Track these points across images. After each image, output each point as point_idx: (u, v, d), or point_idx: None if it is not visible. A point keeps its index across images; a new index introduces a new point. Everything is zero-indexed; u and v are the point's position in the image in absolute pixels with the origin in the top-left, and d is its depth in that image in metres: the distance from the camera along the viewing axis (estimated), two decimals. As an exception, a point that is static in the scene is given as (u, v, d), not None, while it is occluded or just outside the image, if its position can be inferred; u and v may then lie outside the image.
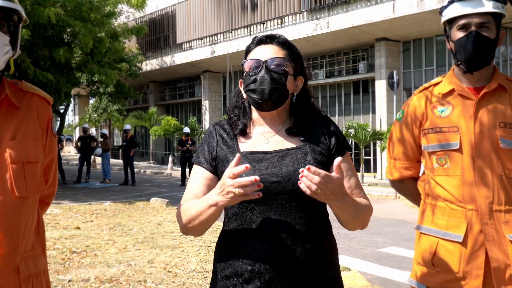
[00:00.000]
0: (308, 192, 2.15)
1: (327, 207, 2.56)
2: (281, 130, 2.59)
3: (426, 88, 3.25)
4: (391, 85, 22.88)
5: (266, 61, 2.51)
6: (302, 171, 2.13)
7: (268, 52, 2.54)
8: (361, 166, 24.88)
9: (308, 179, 2.13)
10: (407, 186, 3.38)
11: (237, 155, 2.20)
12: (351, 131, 25.14)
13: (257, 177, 2.11)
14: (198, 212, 2.37)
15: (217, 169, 2.56)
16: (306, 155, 2.49)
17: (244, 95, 2.62)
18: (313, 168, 2.12)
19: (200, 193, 2.52)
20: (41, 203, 2.64)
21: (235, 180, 2.14)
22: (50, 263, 8.36)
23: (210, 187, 2.52)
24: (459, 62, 3.06)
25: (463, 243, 2.95)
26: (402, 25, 25.52)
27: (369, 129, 25.45)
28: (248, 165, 2.14)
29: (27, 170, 2.37)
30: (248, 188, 2.13)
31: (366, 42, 28.88)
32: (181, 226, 2.52)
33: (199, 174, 2.58)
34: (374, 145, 28.17)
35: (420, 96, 3.23)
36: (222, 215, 2.54)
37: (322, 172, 2.14)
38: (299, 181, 2.15)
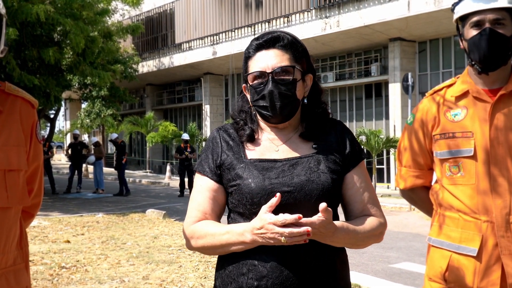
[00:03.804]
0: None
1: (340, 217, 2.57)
2: (292, 137, 2.57)
3: (438, 91, 3.23)
4: (405, 89, 22.85)
5: (271, 73, 2.46)
6: (299, 218, 2.21)
7: (272, 60, 2.48)
8: (373, 175, 24.85)
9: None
10: (419, 196, 3.37)
11: (278, 194, 2.27)
12: (363, 138, 25.11)
13: (309, 228, 2.17)
14: (223, 243, 2.39)
15: (222, 178, 2.54)
16: (319, 164, 2.48)
17: (251, 104, 2.59)
18: (303, 219, 2.23)
19: (208, 209, 2.52)
20: (25, 214, 2.64)
21: (286, 229, 2.20)
22: (38, 279, 8.37)
23: (216, 199, 2.53)
24: (473, 62, 3.04)
25: (478, 257, 2.93)
26: (417, 24, 25.52)
27: (382, 136, 25.41)
28: (278, 195, 2.26)
29: (8, 179, 2.36)
30: (296, 238, 2.20)
31: (379, 42, 28.89)
32: (190, 246, 2.52)
33: (203, 186, 2.56)
34: (388, 153, 28.14)
35: (432, 99, 3.21)
36: (224, 222, 2.54)
37: (303, 221, 2.22)
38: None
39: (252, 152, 2.54)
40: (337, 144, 2.57)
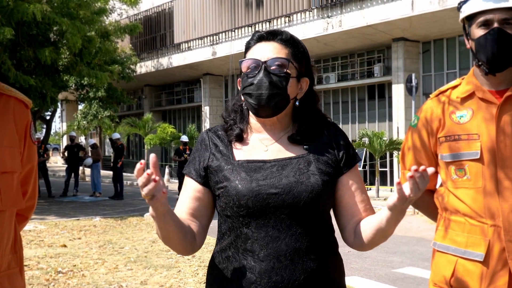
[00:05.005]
0: (407, 194, 2.12)
1: (334, 222, 2.55)
2: (283, 137, 2.55)
3: (443, 92, 3.20)
4: (409, 90, 22.87)
5: (265, 62, 2.46)
6: (416, 170, 2.07)
7: (269, 51, 2.49)
8: (376, 178, 24.83)
9: (418, 182, 2.09)
10: (423, 200, 3.32)
11: (141, 162, 2.08)
12: (365, 140, 25.10)
13: (143, 161, 2.05)
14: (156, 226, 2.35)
15: (209, 180, 2.53)
16: (309, 165, 2.45)
17: (242, 97, 2.58)
18: (430, 169, 2.09)
19: (185, 206, 2.51)
20: (19, 217, 2.62)
21: (139, 182, 2.08)
22: (33, 284, 8.36)
23: (200, 199, 2.51)
24: (480, 63, 3.01)
25: (484, 262, 2.91)
26: (421, 23, 25.53)
27: (385, 138, 25.40)
28: (142, 161, 2.06)
29: (2, 181, 2.34)
30: (142, 180, 2.05)
31: (382, 42, 28.90)
32: None
33: (188, 186, 2.56)
34: (391, 155, 28.13)
35: (436, 100, 3.19)
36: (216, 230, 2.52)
37: (427, 177, 2.10)
38: (397, 182, 2.11)
39: (240, 152, 2.53)
40: (330, 145, 2.54)
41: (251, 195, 2.36)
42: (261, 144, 2.54)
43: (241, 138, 2.56)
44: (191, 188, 2.54)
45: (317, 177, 2.42)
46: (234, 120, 2.62)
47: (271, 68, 2.46)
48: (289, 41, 2.54)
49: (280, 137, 2.55)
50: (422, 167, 2.07)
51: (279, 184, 2.39)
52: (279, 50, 2.50)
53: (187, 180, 2.58)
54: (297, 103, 2.56)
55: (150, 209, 2.21)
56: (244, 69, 2.53)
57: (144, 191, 2.07)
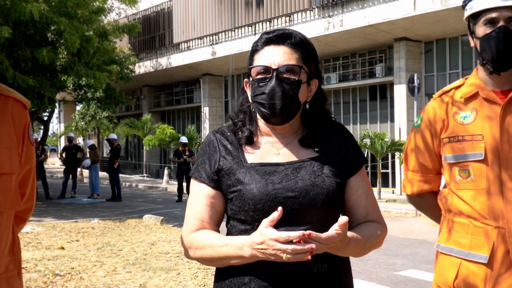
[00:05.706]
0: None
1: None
2: (293, 140, 2.54)
3: (446, 92, 3.19)
4: (411, 90, 22.83)
5: (276, 69, 2.41)
6: (303, 235, 2.12)
7: (279, 57, 2.43)
8: (378, 180, 24.79)
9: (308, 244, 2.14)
10: (426, 201, 3.34)
11: (280, 208, 2.21)
12: (367, 141, 25.07)
13: (314, 245, 2.11)
14: (221, 256, 2.34)
15: (220, 184, 2.49)
16: (323, 168, 2.45)
17: (250, 100, 2.54)
18: (313, 234, 2.13)
19: (206, 216, 2.47)
20: (17, 219, 2.61)
21: (289, 246, 2.12)
22: (31, 287, 8.36)
23: (214, 206, 2.48)
24: (484, 61, 3.00)
25: (489, 264, 2.90)
26: (424, 23, 25.52)
27: (387, 139, 25.36)
28: (280, 208, 2.17)
29: (0, 183, 2.34)
30: (299, 255, 2.12)
31: (384, 42, 28.90)
32: (188, 255, 2.48)
33: (200, 192, 2.51)
34: (393, 156, 28.10)
35: (440, 101, 3.17)
36: (224, 230, 2.50)
37: (323, 236, 2.15)
38: (295, 240, 2.14)
39: (252, 156, 2.50)
40: (339, 147, 2.54)
41: (268, 199, 2.34)
42: (273, 148, 2.52)
43: (251, 141, 2.53)
44: (205, 195, 2.50)
45: (331, 179, 2.42)
46: (243, 121, 2.58)
47: (283, 76, 2.41)
48: (299, 44, 2.49)
49: (290, 140, 2.54)
50: (307, 232, 2.15)
51: (296, 188, 2.37)
52: (289, 56, 2.45)
53: (198, 186, 2.53)
54: (307, 106, 2.54)
55: (252, 253, 2.25)
56: (253, 75, 2.48)
57: (295, 257, 2.15)
